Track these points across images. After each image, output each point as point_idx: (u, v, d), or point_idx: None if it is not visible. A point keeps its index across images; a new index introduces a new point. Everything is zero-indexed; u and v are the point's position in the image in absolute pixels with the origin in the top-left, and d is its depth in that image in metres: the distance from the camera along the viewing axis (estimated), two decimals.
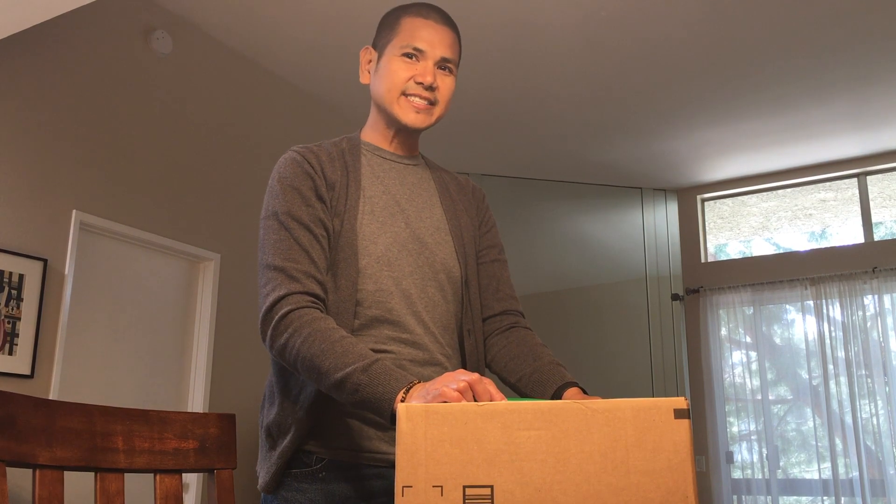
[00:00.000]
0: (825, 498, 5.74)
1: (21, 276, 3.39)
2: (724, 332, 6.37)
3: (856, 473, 5.61)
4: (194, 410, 4.05)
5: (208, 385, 4.13)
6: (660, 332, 6.40)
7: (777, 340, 6.35)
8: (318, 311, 1.39)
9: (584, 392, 1.48)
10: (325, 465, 1.44)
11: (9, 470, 1.21)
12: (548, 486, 1.01)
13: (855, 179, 6.21)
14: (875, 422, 5.64)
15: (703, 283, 6.50)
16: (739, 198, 6.68)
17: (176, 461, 1.41)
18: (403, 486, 1.01)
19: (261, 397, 1.58)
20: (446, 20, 1.61)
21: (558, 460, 1.02)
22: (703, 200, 6.80)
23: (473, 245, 1.67)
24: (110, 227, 3.81)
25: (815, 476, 5.85)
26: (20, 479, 2.04)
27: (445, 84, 1.59)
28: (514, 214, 6.39)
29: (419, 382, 1.23)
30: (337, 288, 1.47)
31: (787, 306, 6.29)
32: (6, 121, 3.48)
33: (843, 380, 5.79)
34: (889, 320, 5.78)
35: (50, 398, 3.36)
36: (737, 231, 6.70)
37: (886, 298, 5.80)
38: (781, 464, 6.07)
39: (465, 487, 1.01)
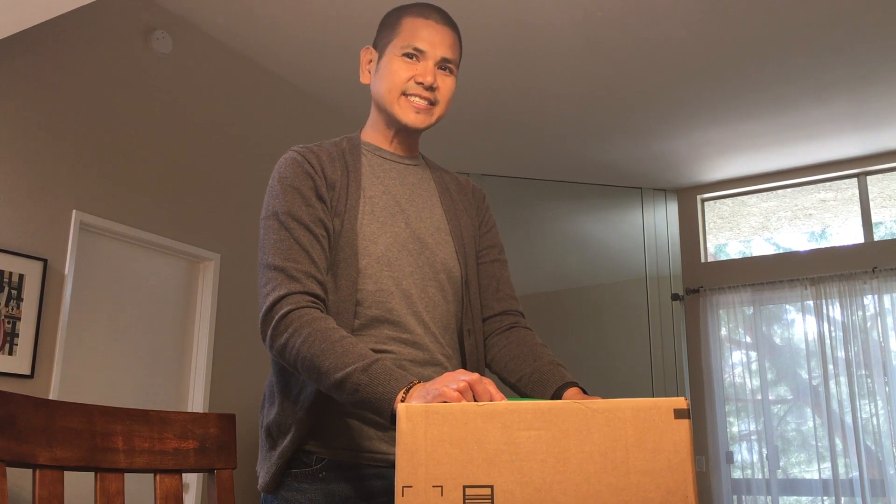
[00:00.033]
0: (825, 498, 5.74)
1: (21, 276, 3.39)
2: (724, 332, 6.37)
3: (856, 473, 5.61)
4: (194, 410, 4.05)
5: (208, 385, 4.13)
6: (660, 332, 6.39)
7: (777, 340, 6.35)
8: (318, 311, 1.39)
9: (584, 392, 1.48)
10: (326, 465, 1.44)
11: (9, 470, 1.21)
12: (548, 486, 1.01)
13: (855, 179, 6.21)
14: (875, 422, 5.64)
15: (703, 283, 6.50)
16: (739, 198, 6.67)
17: (176, 461, 1.41)
18: (403, 486, 1.01)
19: (261, 397, 1.58)
20: (447, 20, 1.61)
21: (558, 460, 1.02)
22: (703, 200, 6.80)
23: (473, 245, 1.67)
24: (110, 227, 3.81)
25: (815, 476, 5.85)
26: (20, 479, 2.04)
27: (446, 84, 1.59)
28: (514, 214, 6.39)
29: (419, 382, 1.23)
30: (337, 288, 1.47)
31: (787, 306, 6.28)
32: (6, 121, 3.48)
33: (843, 380, 5.79)
34: (889, 320, 5.78)
35: (50, 398, 3.36)
36: (737, 231, 6.69)
37: (886, 298, 5.80)
38: (781, 464, 6.07)
39: (465, 487, 1.01)
